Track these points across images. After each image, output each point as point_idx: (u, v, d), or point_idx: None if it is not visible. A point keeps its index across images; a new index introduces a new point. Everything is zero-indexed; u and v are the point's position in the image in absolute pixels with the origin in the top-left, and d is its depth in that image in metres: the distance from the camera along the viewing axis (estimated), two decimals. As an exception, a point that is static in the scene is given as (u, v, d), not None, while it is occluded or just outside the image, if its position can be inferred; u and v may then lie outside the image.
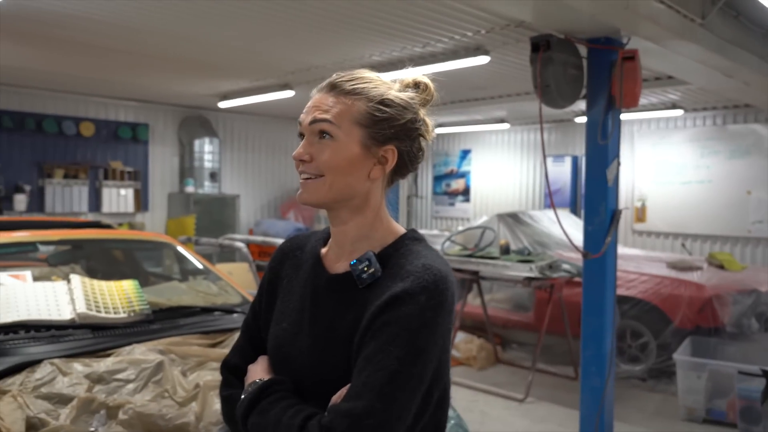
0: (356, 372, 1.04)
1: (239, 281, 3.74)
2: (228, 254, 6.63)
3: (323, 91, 1.16)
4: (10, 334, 2.32)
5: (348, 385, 1.04)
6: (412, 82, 1.20)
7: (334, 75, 1.18)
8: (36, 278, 2.82)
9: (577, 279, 4.94)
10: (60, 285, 2.62)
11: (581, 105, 3.97)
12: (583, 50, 3.79)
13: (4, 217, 6.18)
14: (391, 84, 1.18)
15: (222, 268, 4.18)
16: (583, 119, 6.89)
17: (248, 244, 4.98)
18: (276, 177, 10.35)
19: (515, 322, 6.05)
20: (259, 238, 5.69)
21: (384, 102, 1.14)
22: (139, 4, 4.17)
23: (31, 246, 3.28)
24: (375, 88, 1.15)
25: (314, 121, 1.13)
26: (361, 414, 0.98)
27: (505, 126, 9.44)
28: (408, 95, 1.17)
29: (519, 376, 5.33)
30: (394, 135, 1.14)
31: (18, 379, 2.02)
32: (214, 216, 8.80)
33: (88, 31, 4.80)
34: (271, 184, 10.30)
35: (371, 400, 0.99)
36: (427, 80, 1.20)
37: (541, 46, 3.58)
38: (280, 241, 4.98)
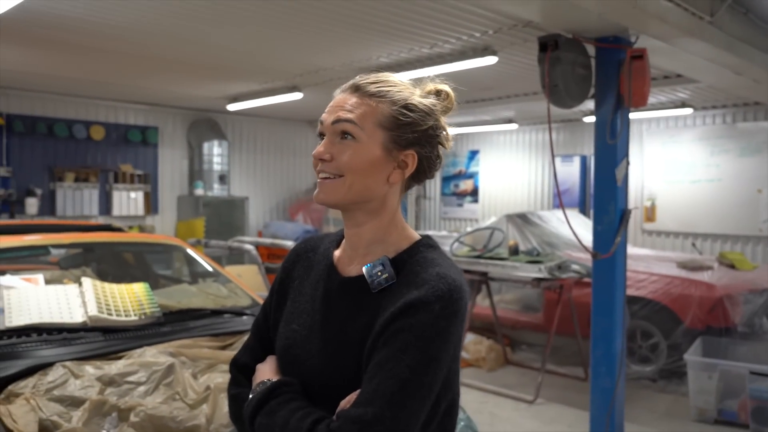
0: (367, 378, 1.03)
1: (249, 283, 3.75)
2: (237, 256, 6.66)
3: (347, 92, 1.15)
4: (22, 337, 2.34)
5: (357, 391, 1.04)
6: (434, 89, 1.19)
7: (358, 77, 1.17)
8: (48, 281, 2.85)
9: (587, 279, 4.92)
10: (71, 288, 2.64)
11: (590, 104, 3.96)
12: (591, 49, 3.78)
13: (16, 221, 6.24)
14: (413, 89, 1.18)
15: (231, 271, 4.19)
16: (591, 119, 6.86)
17: (257, 246, 4.99)
18: (285, 179, 10.38)
19: (524, 323, 6.03)
20: (268, 241, 5.72)
21: (408, 106, 1.13)
22: (147, 8, 4.19)
23: (43, 249, 3.30)
24: (399, 92, 1.14)
25: (337, 120, 1.12)
26: (370, 421, 0.98)
27: (513, 126, 9.42)
28: (430, 101, 1.17)
29: (528, 377, 5.31)
30: (416, 140, 1.14)
31: (30, 381, 2.04)
32: (223, 218, 8.84)
33: (98, 35, 4.84)
34: (280, 186, 10.33)
35: (381, 408, 0.99)
36: (448, 89, 1.20)
37: (549, 45, 3.58)
38: (289, 243, 5.00)
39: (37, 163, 7.82)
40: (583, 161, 8.89)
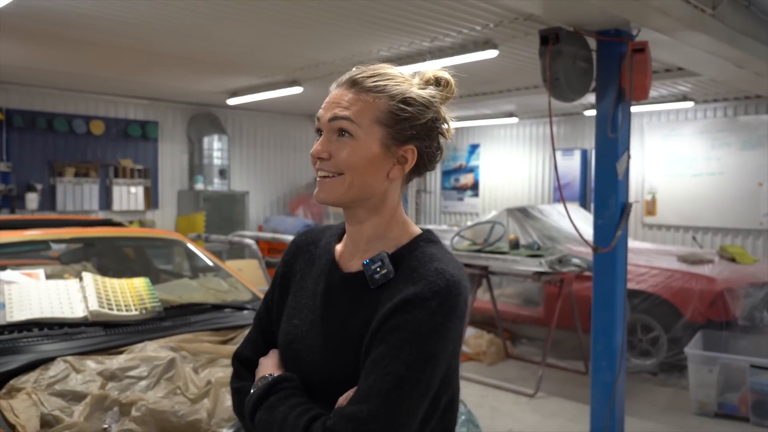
0: (363, 375, 1.03)
1: (249, 278, 3.75)
2: (237, 251, 6.66)
3: (343, 87, 1.13)
4: (24, 332, 2.34)
5: (355, 388, 1.03)
6: (434, 78, 1.16)
7: (355, 69, 1.14)
8: (49, 276, 2.85)
9: (587, 273, 4.92)
10: (72, 283, 2.64)
11: (591, 98, 3.95)
12: (592, 43, 3.77)
13: (17, 216, 6.24)
14: (412, 80, 1.15)
15: (232, 265, 4.20)
16: (592, 112, 6.85)
17: (258, 240, 4.99)
18: (285, 173, 10.37)
19: (525, 317, 6.04)
20: (269, 235, 5.72)
21: (406, 101, 1.11)
22: (146, 3, 4.18)
23: (44, 244, 3.30)
24: (397, 85, 1.12)
25: (334, 118, 1.10)
26: (365, 418, 0.98)
27: (514, 120, 9.41)
28: (429, 93, 1.14)
29: (529, 371, 5.32)
30: (415, 135, 1.12)
31: (32, 376, 2.04)
32: (223, 213, 8.84)
33: (97, 29, 4.82)
34: (280, 180, 10.32)
35: (377, 405, 0.98)
36: (448, 76, 1.17)
37: (550, 39, 3.56)
38: (289, 237, 5.00)
39: (37, 158, 7.82)
40: (584, 155, 8.87)
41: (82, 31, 4.89)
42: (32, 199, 7.57)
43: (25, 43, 5.34)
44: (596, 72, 3.78)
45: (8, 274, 2.76)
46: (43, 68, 6.48)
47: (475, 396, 4.72)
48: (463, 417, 2.16)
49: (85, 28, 4.78)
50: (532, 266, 4.99)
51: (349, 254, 1.18)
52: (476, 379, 5.13)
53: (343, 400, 1.04)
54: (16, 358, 2.13)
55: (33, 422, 1.79)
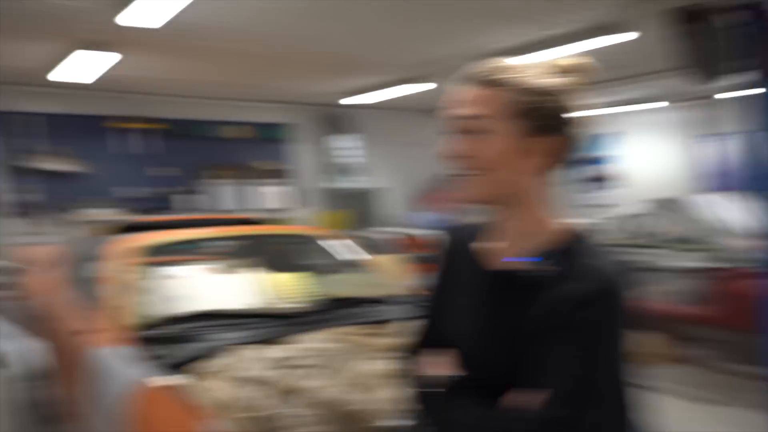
0: (538, 377, 1.02)
1: (394, 273, 3.82)
2: (380, 246, 6.82)
3: (467, 83, 1.12)
4: (198, 322, 2.51)
5: (532, 389, 1.02)
6: (562, 65, 1.12)
7: (476, 65, 1.13)
8: (218, 272, 3.08)
9: (756, 269, 4.50)
10: (241, 277, 2.84)
11: (740, 78, 3.59)
12: (743, 16, 3.41)
13: (183, 215, 6.77)
14: (538, 70, 1.11)
15: (378, 260, 4.29)
16: (745, 93, 6.28)
17: (400, 236, 5.09)
18: (417, 170, 10.43)
19: (685, 316, 5.63)
20: (410, 231, 5.81)
21: (533, 91, 1.08)
22: (281, 13, 4.48)
23: (213, 241, 3.58)
24: (522, 76, 1.09)
25: (463, 116, 1.10)
26: (559, 421, 0.99)
27: (659, 105, 8.83)
28: (557, 81, 1.10)
29: (696, 375, 4.94)
30: (548, 125, 1.09)
31: (209, 363, 2.19)
32: (362, 209, 9.13)
33: (223, 39, 5.16)
34: (413, 176, 10.40)
35: (562, 408, 0.99)
36: (580, 62, 1.12)
37: (692, 16, 3.28)
38: (429, 232, 5.04)
39: (187, 162, 8.33)
40: (744, 140, 8.14)
41: (215, 42, 5.25)
42: (187, 200, 8.17)
43: (179, 57, 5.83)
44: (746, 49, 3.42)
45: (181, 270, 3.03)
46: (190, 79, 7.00)
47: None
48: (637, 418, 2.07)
49: (224, 39, 5.14)
50: (692, 261, 4.69)
51: (501, 251, 1.17)
52: (637, 382, 4.86)
53: (511, 399, 1.04)
54: (191, 346, 2.31)
55: (214, 405, 1.93)
